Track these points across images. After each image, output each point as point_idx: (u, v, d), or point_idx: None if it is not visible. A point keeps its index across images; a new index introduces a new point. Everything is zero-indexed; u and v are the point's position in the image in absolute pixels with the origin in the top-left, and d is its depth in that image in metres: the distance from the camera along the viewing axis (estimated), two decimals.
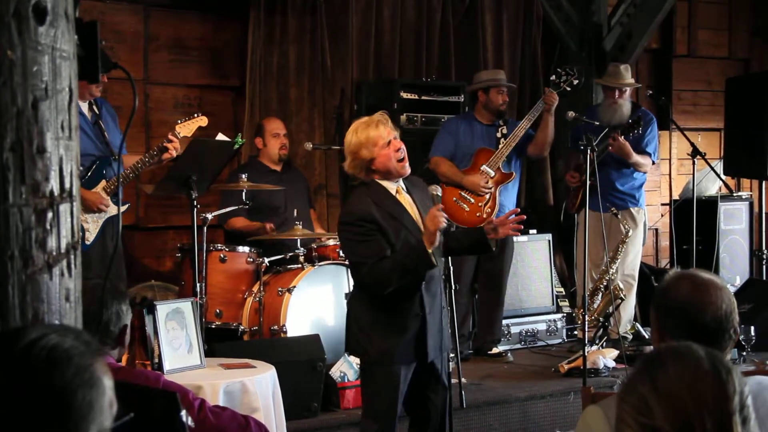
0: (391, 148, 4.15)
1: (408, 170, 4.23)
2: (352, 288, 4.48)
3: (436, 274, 4.27)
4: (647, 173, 7.06)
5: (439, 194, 4.28)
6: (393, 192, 4.21)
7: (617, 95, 6.88)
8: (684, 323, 2.51)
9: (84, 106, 5.55)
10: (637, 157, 6.74)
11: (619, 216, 6.68)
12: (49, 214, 1.84)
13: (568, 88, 6.62)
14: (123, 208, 5.71)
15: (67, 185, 1.90)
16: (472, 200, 6.44)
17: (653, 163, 7.02)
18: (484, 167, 6.41)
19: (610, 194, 6.67)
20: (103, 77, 5.42)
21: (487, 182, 6.38)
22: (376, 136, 4.14)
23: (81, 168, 5.38)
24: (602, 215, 6.41)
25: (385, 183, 4.19)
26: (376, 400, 4.26)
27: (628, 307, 6.90)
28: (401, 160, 4.17)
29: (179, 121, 5.79)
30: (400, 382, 4.18)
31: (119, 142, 5.63)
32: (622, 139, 6.60)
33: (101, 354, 1.56)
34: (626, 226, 6.70)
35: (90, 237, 5.45)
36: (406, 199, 4.25)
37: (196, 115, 5.85)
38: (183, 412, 2.34)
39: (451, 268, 4.76)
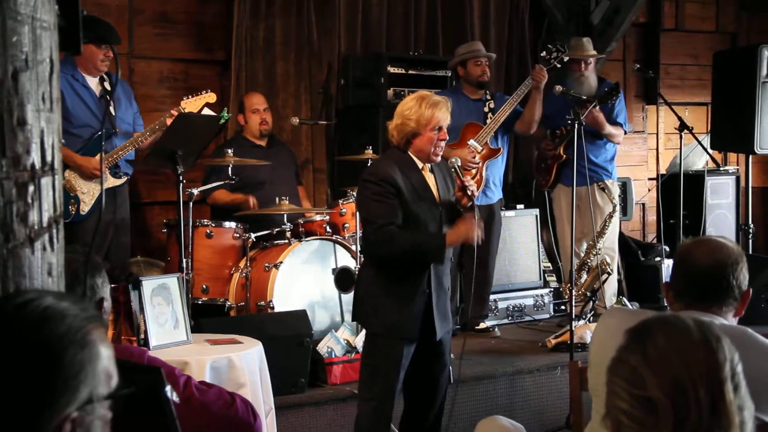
0: (438, 135, 4.30)
1: (438, 160, 4.38)
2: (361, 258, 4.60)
3: (448, 255, 4.40)
4: (619, 144, 7.08)
5: (459, 164, 4.46)
6: (419, 166, 4.35)
7: (583, 67, 6.92)
8: (679, 270, 2.66)
9: (92, 81, 5.71)
10: (610, 128, 6.78)
11: (606, 190, 6.69)
12: (31, 188, 1.81)
13: (558, 65, 6.62)
14: (121, 181, 5.80)
15: (48, 158, 1.87)
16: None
17: (625, 132, 7.05)
18: (471, 141, 6.39)
19: (583, 167, 6.65)
20: (108, 52, 5.53)
21: (474, 156, 6.36)
22: (437, 117, 4.28)
23: (79, 138, 5.53)
24: (581, 189, 6.43)
25: (414, 157, 4.34)
26: (376, 372, 4.34)
27: (611, 281, 6.92)
28: (437, 149, 4.32)
29: (186, 97, 5.82)
30: (402, 356, 4.27)
31: (129, 119, 5.77)
32: (596, 110, 6.60)
33: (98, 321, 1.58)
34: (613, 201, 6.71)
35: (85, 208, 5.58)
36: (430, 177, 4.39)
37: (204, 91, 5.88)
38: (168, 388, 2.32)
39: None
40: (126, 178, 5.88)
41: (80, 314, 1.54)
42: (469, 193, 4.32)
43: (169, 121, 5.59)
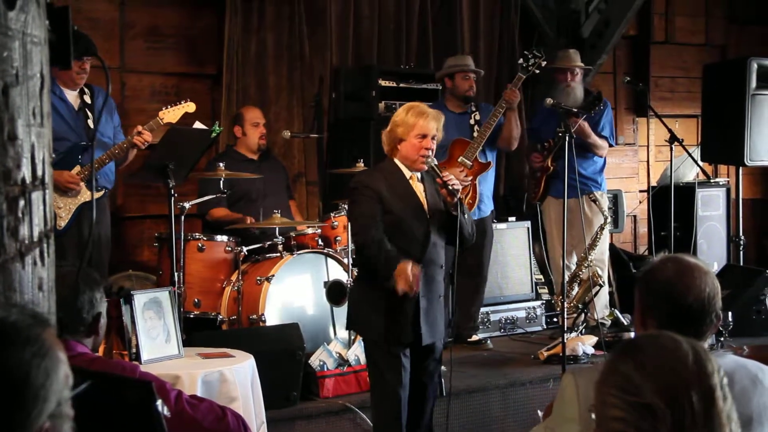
0: (421, 143, 4.41)
1: (424, 167, 4.48)
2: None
3: (435, 260, 4.48)
4: (605, 156, 7.09)
5: (435, 163, 4.51)
6: (407, 176, 4.46)
7: (569, 78, 6.93)
8: (667, 305, 2.55)
9: (71, 94, 5.60)
10: (595, 138, 6.81)
11: (596, 202, 6.70)
12: (21, 202, 1.81)
13: (537, 71, 6.59)
14: (98, 194, 5.64)
15: (39, 173, 1.87)
16: None
17: (611, 145, 7.07)
18: (461, 159, 6.37)
19: (573, 179, 6.64)
20: (85, 64, 5.44)
21: (465, 175, 6.34)
22: (420, 125, 4.41)
23: (55, 152, 5.42)
24: (578, 201, 6.44)
25: (402, 165, 4.46)
26: (380, 376, 4.43)
27: (602, 293, 6.91)
28: (422, 157, 4.42)
29: (164, 108, 5.75)
30: (399, 359, 4.35)
31: (109, 132, 5.68)
32: (581, 120, 6.61)
33: (46, 321, 1.53)
34: (604, 213, 6.72)
35: (62, 223, 5.43)
36: (418, 186, 4.50)
37: (183, 101, 5.79)
38: (158, 402, 2.32)
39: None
40: (104, 191, 5.75)
41: (31, 321, 1.49)
42: (450, 188, 4.36)
43: (136, 142, 5.51)
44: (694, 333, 2.55)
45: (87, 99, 5.63)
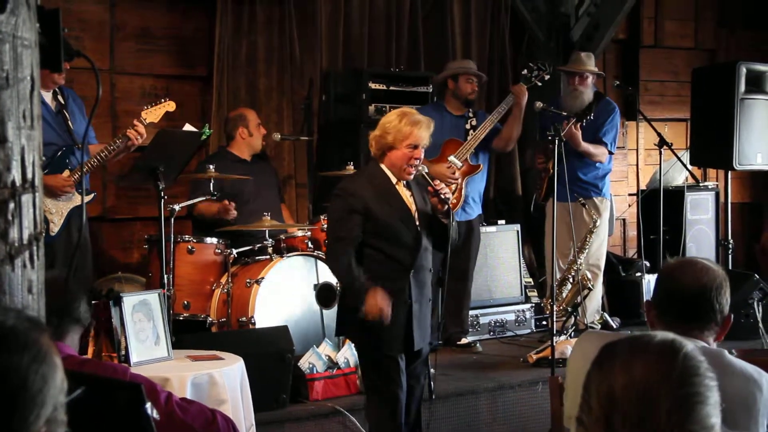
0: (412, 152, 4.38)
1: (410, 178, 4.47)
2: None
3: (425, 264, 4.48)
4: (605, 163, 7.02)
5: (426, 171, 4.53)
6: (393, 181, 4.44)
7: (578, 82, 6.91)
8: (665, 291, 2.65)
9: (47, 96, 5.46)
10: (587, 146, 6.75)
11: (586, 206, 6.70)
12: (11, 205, 1.81)
13: (539, 83, 6.61)
14: (88, 198, 5.59)
15: (29, 175, 1.87)
16: None
17: (610, 153, 7.01)
18: (451, 158, 6.39)
19: (574, 184, 6.64)
20: (66, 64, 5.36)
21: (453, 173, 6.36)
22: (414, 135, 4.37)
23: (43, 158, 5.35)
24: (569, 205, 6.45)
25: (388, 171, 4.44)
26: (378, 385, 4.43)
27: (595, 297, 6.93)
28: (410, 167, 4.40)
29: (146, 107, 5.71)
30: (398, 365, 4.36)
31: (83, 132, 5.58)
32: (574, 126, 6.61)
33: (42, 326, 1.53)
34: (594, 216, 6.73)
35: (55, 228, 5.38)
36: (405, 191, 4.48)
37: (163, 100, 5.75)
38: (148, 404, 2.32)
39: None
40: (93, 195, 5.69)
41: (29, 326, 1.49)
42: (443, 196, 4.37)
43: (130, 135, 5.46)
44: (695, 324, 2.59)
45: (61, 100, 5.57)
